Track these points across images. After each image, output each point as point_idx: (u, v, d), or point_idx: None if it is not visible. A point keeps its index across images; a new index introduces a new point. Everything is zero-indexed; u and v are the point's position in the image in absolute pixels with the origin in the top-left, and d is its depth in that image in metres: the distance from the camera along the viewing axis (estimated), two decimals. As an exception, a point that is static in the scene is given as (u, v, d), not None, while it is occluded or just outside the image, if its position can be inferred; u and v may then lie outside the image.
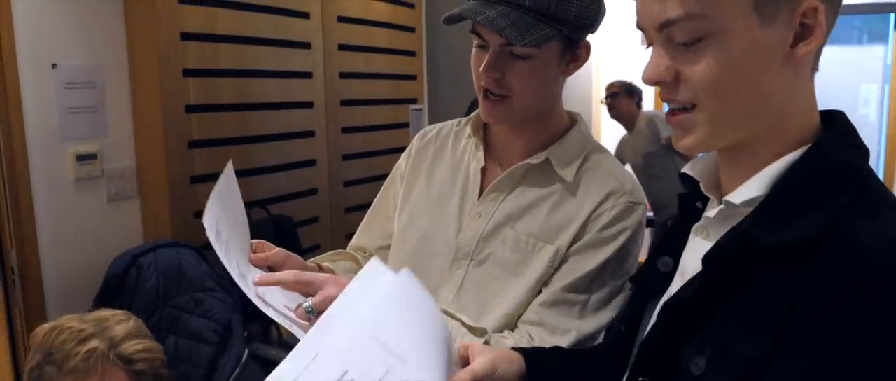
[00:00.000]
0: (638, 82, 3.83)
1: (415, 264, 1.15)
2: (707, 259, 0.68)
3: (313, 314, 0.90)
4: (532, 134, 1.11)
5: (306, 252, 2.65)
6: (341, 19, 2.85)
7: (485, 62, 1.03)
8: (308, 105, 2.75)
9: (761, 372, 0.61)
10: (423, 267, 1.15)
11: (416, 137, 1.28)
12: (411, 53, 3.34)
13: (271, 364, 2.10)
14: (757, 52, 0.64)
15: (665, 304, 0.73)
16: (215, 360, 1.94)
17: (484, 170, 1.15)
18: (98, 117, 2.17)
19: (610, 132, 4.50)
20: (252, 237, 2.39)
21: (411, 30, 3.31)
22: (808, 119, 0.69)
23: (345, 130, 2.95)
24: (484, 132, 1.18)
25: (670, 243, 0.79)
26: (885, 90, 4.59)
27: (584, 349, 1.04)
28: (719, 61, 0.64)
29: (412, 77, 3.37)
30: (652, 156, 3.65)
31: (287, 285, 0.94)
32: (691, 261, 0.74)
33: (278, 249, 1.04)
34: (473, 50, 1.08)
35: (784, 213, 0.64)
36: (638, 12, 0.69)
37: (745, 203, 0.67)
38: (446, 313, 1.09)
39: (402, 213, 1.22)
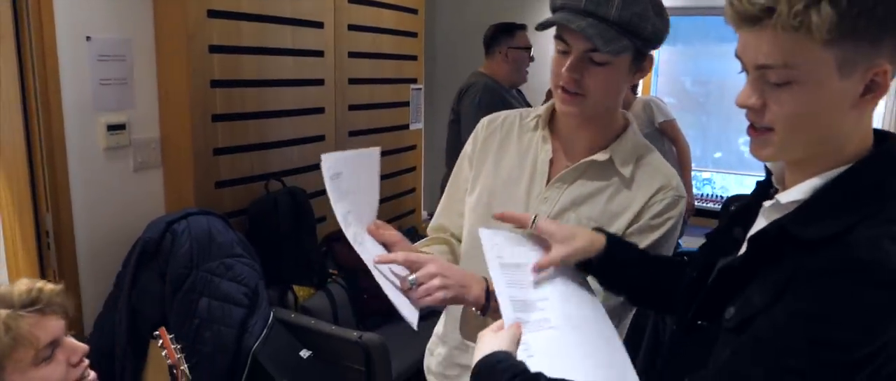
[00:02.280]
0: None
1: None
2: (751, 239, 0.87)
3: (415, 285, 1.13)
4: (595, 130, 1.27)
5: (317, 223, 2.79)
6: (352, 0, 2.96)
7: (568, 64, 1.17)
8: (320, 82, 2.86)
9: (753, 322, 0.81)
10: None
11: (480, 123, 1.41)
12: (413, 34, 3.45)
13: (291, 326, 2.25)
14: (832, 100, 0.80)
15: (719, 268, 0.92)
16: (246, 321, 2.07)
17: (552, 161, 1.30)
18: (127, 89, 2.26)
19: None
20: (272, 206, 2.55)
21: (414, 12, 3.42)
22: (863, 143, 0.84)
23: (351, 108, 3.07)
24: (550, 126, 1.34)
25: (743, 217, 0.96)
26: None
27: (657, 256, 1.23)
28: (801, 103, 0.80)
29: (413, 58, 3.49)
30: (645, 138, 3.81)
31: (400, 263, 1.16)
32: (762, 219, 0.92)
33: (395, 231, 1.26)
34: (555, 54, 1.22)
35: (814, 215, 0.82)
36: (739, 46, 0.84)
37: (790, 204, 0.85)
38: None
39: (472, 193, 1.36)
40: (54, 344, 1.21)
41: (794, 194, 0.86)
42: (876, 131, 0.87)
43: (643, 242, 1.23)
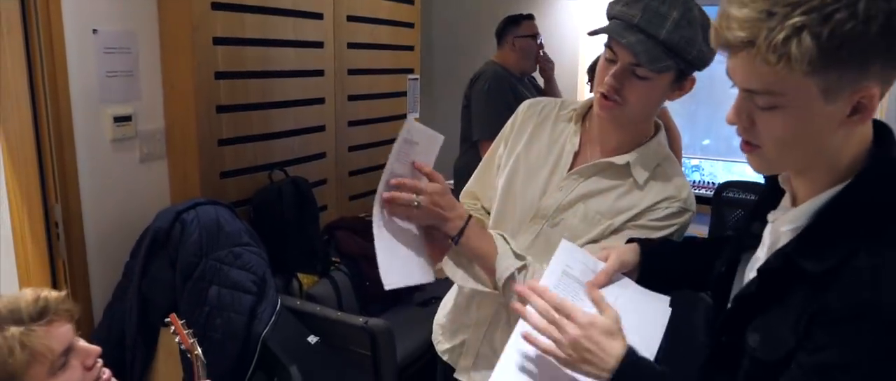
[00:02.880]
0: None
1: (504, 211, 1.43)
2: (761, 271, 0.92)
3: (419, 206, 1.28)
4: (623, 134, 1.34)
5: (320, 212, 2.83)
6: (350, -9, 3.00)
7: (612, 73, 1.24)
8: (320, 73, 2.90)
9: (793, 356, 0.85)
10: (510, 215, 1.41)
11: (521, 106, 1.49)
12: (410, 25, 3.49)
13: (298, 313, 2.30)
14: (818, 123, 0.81)
15: (736, 296, 0.97)
16: (255, 308, 2.11)
17: (576, 153, 1.38)
18: (133, 81, 2.28)
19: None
20: (276, 195, 2.62)
21: (410, 2, 3.45)
22: (860, 148, 0.86)
23: (351, 98, 3.11)
24: (583, 121, 1.41)
25: (761, 213, 1.01)
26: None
27: (690, 242, 1.32)
28: (787, 125, 0.82)
29: (410, 48, 3.53)
30: None
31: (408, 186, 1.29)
32: (767, 235, 0.97)
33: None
34: (602, 61, 1.28)
35: (817, 243, 0.86)
36: (727, 67, 0.86)
37: (792, 230, 0.90)
38: (503, 236, 1.35)
39: (503, 170, 1.45)
40: (68, 351, 1.22)
41: (796, 218, 0.89)
42: (876, 125, 0.88)
43: (640, 236, 1.29)
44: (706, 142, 4.97)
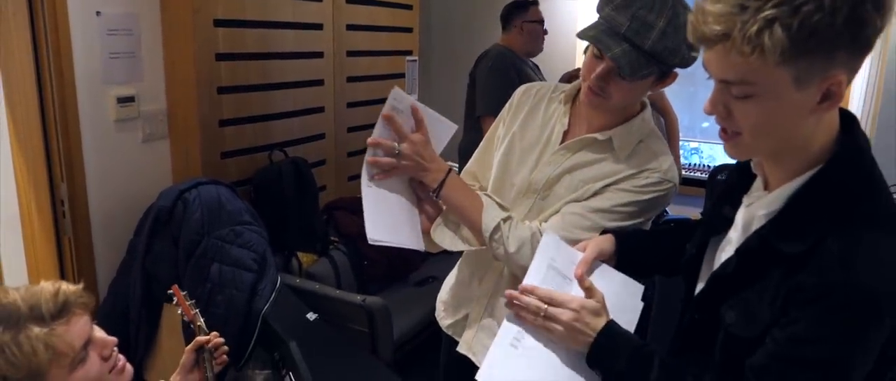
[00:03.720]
0: None
1: (500, 188, 1.49)
2: (739, 252, 0.97)
3: (399, 153, 1.35)
4: (611, 115, 1.39)
5: (319, 192, 2.88)
6: (350, -26, 3.02)
7: (597, 73, 1.29)
8: (319, 55, 2.93)
9: (771, 333, 0.91)
10: (506, 191, 1.48)
11: (518, 90, 1.55)
12: (408, 7, 3.51)
13: (298, 291, 2.36)
14: (791, 110, 0.87)
15: (712, 275, 1.03)
16: (255, 285, 2.17)
17: (566, 133, 1.44)
18: (135, 62, 2.33)
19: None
20: (276, 176, 2.68)
21: (409, -17, 3.48)
22: (829, 135, 0.91)
23: (350, 80, 3.15)
24: (572, 103, 1.46)
25: (730, 197, 1.06)
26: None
27: (663, 229, 1.39)
28: (762, 113, 0.88)
29: (408, 29, 3.56)
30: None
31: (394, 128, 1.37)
32: (740, 219, 1.03)
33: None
34: (590, 53, 1.33)
35: (792, 226, 0.91)
36: (703, 59, 0.90)
37: (768, 214, 0.95)
38: (486, 194, 1.44)
39: (499, 150, 1.51)
40: (87, 345, 1.22)
41: (772, 202, 0.95)
42: (842, 114, 0.94)
43: (615, 200, 1.36)
44: (705, 124, 5.00)
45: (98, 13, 2.18)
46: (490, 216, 1.36)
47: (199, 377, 1.49)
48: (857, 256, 0.85)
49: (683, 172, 4.86)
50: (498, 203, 1.41)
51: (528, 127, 1.49)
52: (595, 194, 1.38)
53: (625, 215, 1.37)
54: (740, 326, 0.95)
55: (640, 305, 1.23)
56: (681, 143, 4.53)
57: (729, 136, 0.94)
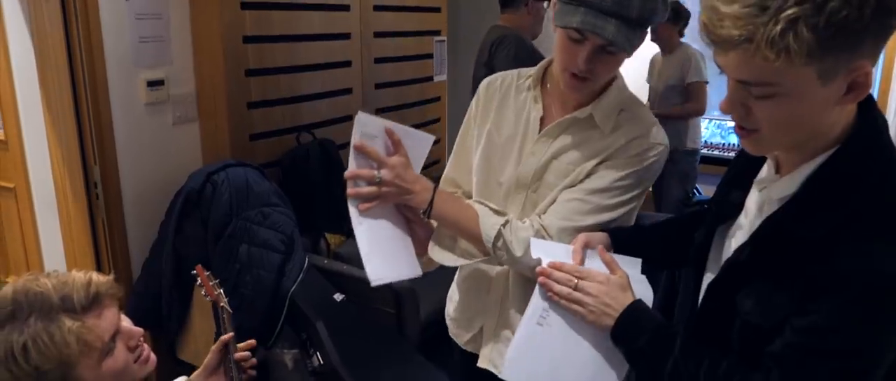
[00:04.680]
0: (688, 4, 3.81)
1: (487, 188, 1.43)
2: (753, 239, 0.93)
3: (380, 182, 1.31)
4: (591, 93, 1.33)
5: (347, 174, 2.90)
6: (376, -46, 3.01)
7: (584, 57, 1.22)
8: (346, 36, 2.93)
9: (787, 320, 0.88)
10: (494, 192, 1.42)
11: (481, 85, 1.48)
12: (436, -14, 3.49)
13: (325, 271, 2.38)
14: (815, 104, 0.82)
15: (726, 262, 0.99)
16: (283, 266, 2.20)
17: (542, 119, 1.38)
18: (164, 46, 2.36)
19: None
20: (304, 157, 2.69)
21: (437, -37, 3.45)
22: (847, 118, 0.87)
23: (377, 61, 3.14)
24: (542, 86, 1.40)
25: (739, 182, 1.03)
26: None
27: (661, 222, 1.34)
28: (784, 111, 0.83)
29: (437, 9, 3.53)
30: (670, 90, 3.81)
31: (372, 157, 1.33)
32: (751, 204, 1.00)
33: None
34: (564, 39, 1.24)
35: (807, 210, 0.88)
36: (716, 58, 0.84)
37: (782, 198, 0.92)
38: (479, 201, 1.38)
39: (477, 149, 1.45)
40: (115, 336, 1.24)
41: (786, 186, 0.91)
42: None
43: (610, 177, 1.30)
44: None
45: (127, -2, 2.21)
46: (488, 225, 1.31)
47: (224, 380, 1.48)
48: (875, 241, 0.83)
49: (718, 152, 4.77)
50: (492, 209, 1.34)
51: (502, 121, 1.42)
52: (589, 174, 1.32)
53: (623, 189, 1.31)
54: (758, 314, 0.92)
55: (643, 277, 1.21)
56: (718, 122, 4.41)
57: (747, 132, 0.89)
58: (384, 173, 1.31)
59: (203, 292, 1.54)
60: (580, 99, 1.33)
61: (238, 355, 1.48)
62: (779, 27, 0.75)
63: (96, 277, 1.22)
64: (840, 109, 0.85)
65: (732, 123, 1.01)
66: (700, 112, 3.83)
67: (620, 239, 1.26)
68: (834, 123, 0.87)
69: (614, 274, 1.15)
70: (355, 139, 1.32)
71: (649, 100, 3.99)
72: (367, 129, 1.32)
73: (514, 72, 1.47)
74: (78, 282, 1.19)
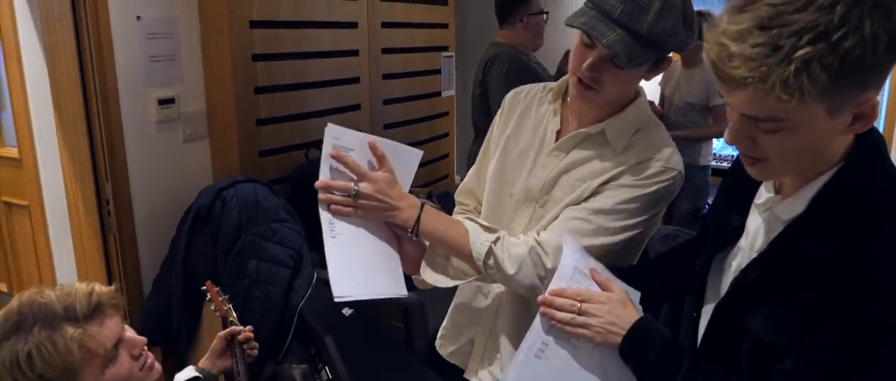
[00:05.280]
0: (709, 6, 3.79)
1: (498, 198, 1.42)
2: (761, 260, 0.93)
3: (357, 196, 1.28)
4: (603, 107, 1.31)
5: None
6: (383, -28, 3.04)
7: (589, 63, 1.21)
8: (354, 53, 2.96)
9: (798, 339, 0.87)
10: (505, 202, 1.41)
11: (507, 96, 1.48)
12: (444, 2, 3.52)
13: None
14: (823, 136, 0.83)
15: (733, 283, 0.99)
16: (291, 281, 2.21)
17: (559, 132, 1.36)
18: (175, 65, 2.39)
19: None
20: (312, 173, 2.70)
21: (444, -20, 3.49)
22: (846, 141, 0.88)
23: (385, 77, 3.17)
24: (562, 100, 1.39)
25: (736, 205, 1.03)
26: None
27: (659, 256, 1.33)
28: (792, 143, 0.83)
29: (444, 25, 3.56)
30: (689, 108, 3.81)
31: (350, 168, 1.30)
32: (752, 227, 0.99)
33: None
34: (578, 43, 1.23)
35: (817, 228, 0.88)
36: (727, 95, 0.83)
37: (786, 220, 0.92)
38: (469, 219, 1.35)
39: (494, 159, 1.44)
40: (118, 344, 1.27)
41: (793, 207, 0.91)
42: None
43: (616, 198, 1.25)
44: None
45: (138, 18, 2.25)
46: (478, 242, 1.27)
47: (229, 364, 1.54)
48: (887, 255, 0.83)
49: (726, 164, 4.76)
50: (483, 226, 1.31)
51: (520, 132, 1.40)
52: (593, 193, 1.28)
53: (629, 213, 1.26)
54: (768, 333, 0.92)
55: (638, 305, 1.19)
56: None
57: (754, 161, 0.89)
58: (364, 187, 1.28)
59: (213, 308, 1.56)
60: (593, 114, 1.30)
61: (242, 336, 1.54)
62: (792, 67, 0.74)
63: (98, 287, 1.27)
64: (847, 138, 0.86)
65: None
66: (722, 134, 3.83)
67: (620, 274, 1.24)
68: (838, 148, 0.88)
69: (613, 292, 1.13)
70: (328, 149, 1.28)
71: (660, 106, 3.99)
72: (341, 142, 1.29)
73: (541, 84, 1.46)
74: (80, 292, 1.24)
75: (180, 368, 2.38)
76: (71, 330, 1.19)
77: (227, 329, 1.53)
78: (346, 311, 2.31)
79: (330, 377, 2.13)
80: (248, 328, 1.58)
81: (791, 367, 0.89)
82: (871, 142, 0.89)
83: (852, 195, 0.87)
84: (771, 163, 0.87)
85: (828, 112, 0.79)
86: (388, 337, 2.36)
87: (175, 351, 2.35)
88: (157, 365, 1.36)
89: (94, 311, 1.23)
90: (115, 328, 1.27)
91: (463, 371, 1.53)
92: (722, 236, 1.06)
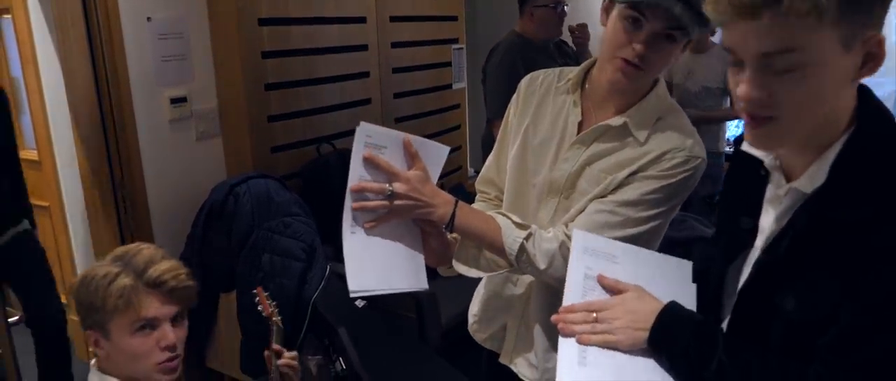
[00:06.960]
0: None
1: (519, 187, 1.43)
2: (789, 230, 0.90)
3: (391, 197, 1.25)
4: (624, 95, 1.30)
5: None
6: (391, -34, 3.06)
7: (644, 40, 1.19)
8: (363, 48, 2.99)
9: (837, 312, 0.84)
10: (527, 193, 1.42)
11: (522, 82, 1.47)
12: (453, -6, 3.53)
13: (346, 279, 2.42)
14: (838, 78, 0.81)
15: (758, 260, 0.95)
16: (304, 274, 2.25)
17: (580, 124, 1.36)
18: (186, 64, 2.43)
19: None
20: (324, 168, 2.70)
21: (452, -28, 3.49)
22: (849, 111, 0.86)
23: (395, 70, 3.19)
24: (581, 89, 1.38)
25: (745, 206, 1.00)
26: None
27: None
28: (811, 87, 0.80)
29: (454, 18, 3.57)
30: (706, 92, 3.77)
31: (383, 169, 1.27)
32: (768, 224, 0.96)
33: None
34: (620, 24, 1.21)
35: (844, 193, 0.85)
36: (732, 38, 0.82)
37: (804, 194, 0.89)
38: (502, 213, 1.35)
39: (513, 148, 1.44)
40: (153, 323, 1.32)
41: (813, 178, 0.89)
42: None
43: (643, 189, 1.27)
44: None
45: (149, 19, 2.29)
46: (511, 238, 1.27)
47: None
48: None
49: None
50: (515, 222, 1.30)
51: (539, 121, 1.40)
52: (620, 185, 1.28)
53: (655, 203, 1.28)
54: (804, 310, 0.88)
55: (693, 286, 1.14)
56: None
57: (759, 122, 0.86)
58: (398, 187, 1.25)
59: (260, 308, 1.69)
60: (614, 104, 1.30)
61: (282, 361, 1.63)
62: None
63: (179, 271, 1.37)
64: (852, 90, 0.85)
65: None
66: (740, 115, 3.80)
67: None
68: (844, 110, 0.87)
69: (624, 292, 1.09)
70: (361, 150, 1.25)
71: (674, 97, 3.96)
72: (374, 139, 1.26)
73: (556, 70, 1.45)
74: (163, 264, 1.35)
75: (197, 363, 2.44)
76: (126, 280, 1.30)
77: (272, 348, 1.63)
78: (359, 303, 2.34)
79: (344, 367, 2.16)
80: (293, 354, 1.65)
81: (835, 337, 0.86)
82: (873, 105, 0.88)
83: (875, 156, 0.85)
84: (780, 122, 0.84)
85: (842, 43, 0.78)
86: (401, 328, 2.39)
87: (193, 346, 2.39)
88: (180, 372, 1.39)
89: (157, 284, 1.32)
90: (161, 310, 1.33)
91: (498, 355, 1.55)
92: (734, 241, 1.03)
